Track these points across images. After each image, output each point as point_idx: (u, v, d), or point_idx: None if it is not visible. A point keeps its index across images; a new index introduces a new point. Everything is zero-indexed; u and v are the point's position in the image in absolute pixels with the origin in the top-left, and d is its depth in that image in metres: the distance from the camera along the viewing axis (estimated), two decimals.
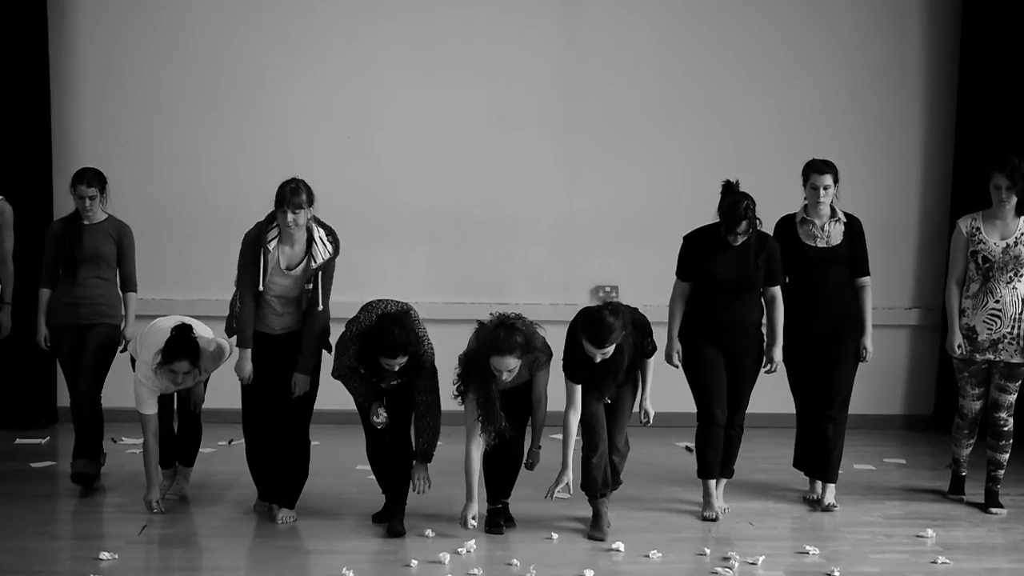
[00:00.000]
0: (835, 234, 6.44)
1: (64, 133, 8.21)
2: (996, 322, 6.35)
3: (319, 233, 6.04)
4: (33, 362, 7.72)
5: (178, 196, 8.28)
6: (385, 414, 5.95)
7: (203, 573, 5.62)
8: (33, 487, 6.78)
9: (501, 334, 5.75)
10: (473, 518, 5.94)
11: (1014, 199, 6.32)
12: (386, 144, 8.33)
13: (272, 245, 5.98)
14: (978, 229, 6.40)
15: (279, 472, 6.18)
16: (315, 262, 6.00)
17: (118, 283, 6.71)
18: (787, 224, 6.51)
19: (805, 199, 6.47)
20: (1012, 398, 6.46)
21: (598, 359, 5.82)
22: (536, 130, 8.37)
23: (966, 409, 6.50)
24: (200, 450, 6.68)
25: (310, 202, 5.97)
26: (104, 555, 5.63)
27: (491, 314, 5.94)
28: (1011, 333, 6.34)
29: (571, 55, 8.38)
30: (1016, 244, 6.34)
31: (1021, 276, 6.35)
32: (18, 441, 7.80)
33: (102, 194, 6.63)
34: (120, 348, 6.68)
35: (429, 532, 5.98)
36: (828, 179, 6.37)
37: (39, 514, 6.30)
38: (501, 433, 5.91)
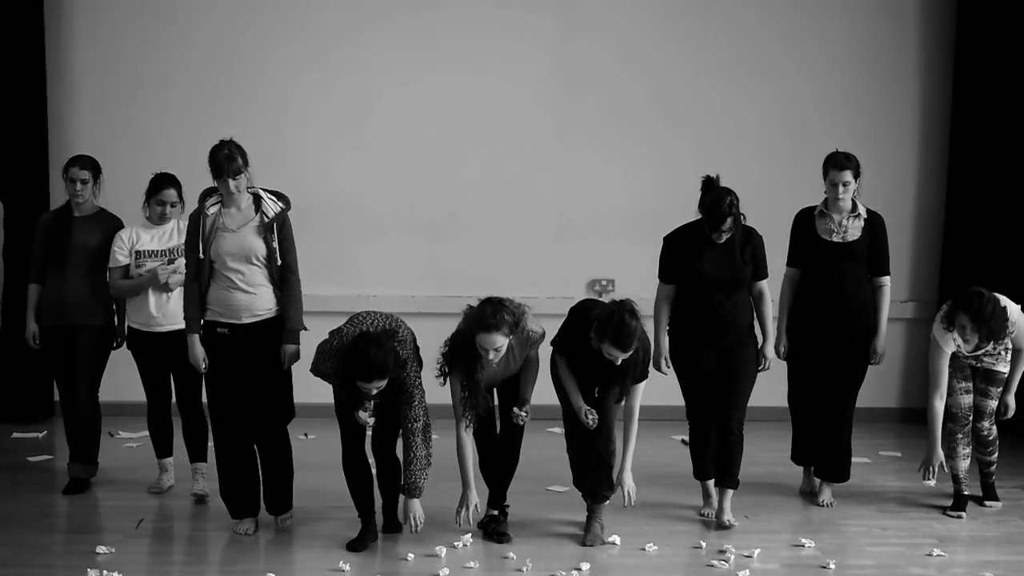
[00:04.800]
0: (853, 229, 6.32)
1: (60, 128, 8.20)
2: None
3: (267, 194, 5.82)
4: (30, 356, 7.70)
5: None
6: (371, 409, 5.66)
7: (200, 566, 5.63)
8: (30, 481, 6.78)
9: (487, 310, 5.55)
10: (476, 506, 5.75)
11: (976, 339, 6.07)
12: (384, 138, 8.33)
13: (212, 210, 5.73)
14: (959, 347, 6.19)
15: (266, 479, 5.99)
16: (267, 216, 5.74)
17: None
18: (805, 216, 6.40)
19: (825, 192, 6.35)
20: (993, 403, 6.37)
21: (619, 362, 5.63)
22: (533, 123, 8.37)
23: (955, 407, 6.38)
24: None
25: (246, 164, 5.72)
26: (101, 549, 5.64)
27: (478, 298, 5.75)
28: (992, 344, 6.26)
29: (569, 48, 8.38)
30: (995, 346, 6.22)
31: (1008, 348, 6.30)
32: (15, 435, 7.81)
33: (95, 182, 6.52)
34: (115, 345, 6.60)
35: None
36: (848, 175, 6.22)
37: (36, 508, 6.31)
38: (483, 418, 5.78)
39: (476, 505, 5.77)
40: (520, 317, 5.65)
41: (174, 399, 6.53)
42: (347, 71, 8.30)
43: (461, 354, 5.67)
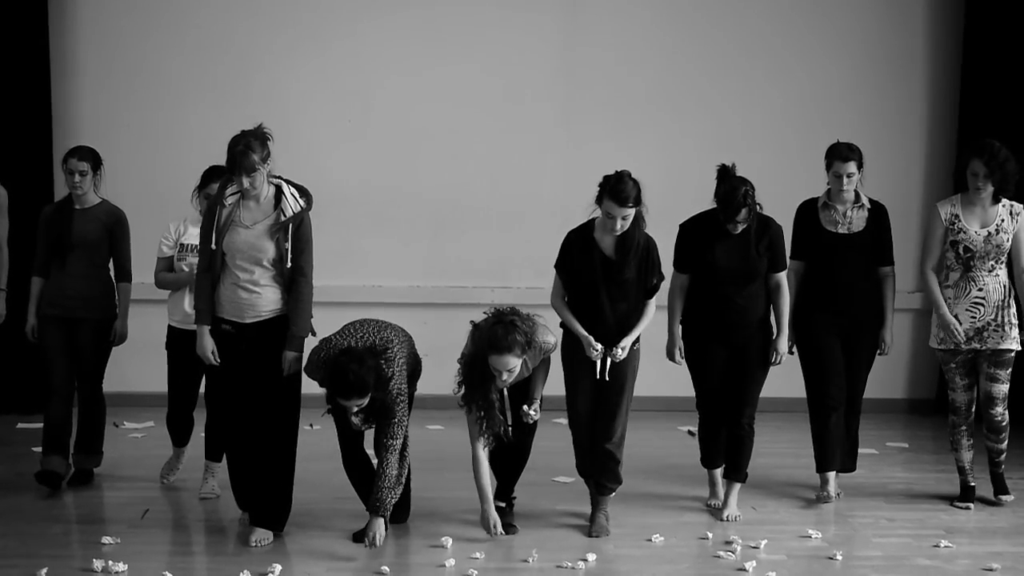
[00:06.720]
0: (857, 220, 6.26)
1: (64, 118, 8.18)
2: (980, 310, 6.19)
3: (289, 189, 5.55)
4: (33, 347, 7.68)
5: (179, 181, 8.22)
6: (362, 416, 5.54)
7: (205, 556, 5.62)
8: (35, 472, 6.76)
9: (499, 331, 5.45)
10: (496, 523, 5.68)
11: (991, 187, 6.11)
12: (388, 128, 8.31)
13: (230, 201, 5.50)
14: (957, 217, 6.19)
15: (260, 490, 5.69)
16: (285, 215, 5.47)
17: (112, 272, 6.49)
18: (809, 208, 6.32)
19: (828, 184, 6.28)
20: (1005, 388, 6.26)
21: (618, 225, 5.63)
22: (538, 114, 8.36)
23: (958, 402, 6.33)
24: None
25: (265, 159, 5.43)
26: (106, 539, 5.63)
27: (485, 312, 5.65)
28: (995, 320, 6.19)
29: (573, 39, 8.36)
30: (998, 232, 6.17)
31: (1002, 263, 6.23)
32: (19, 426, 7.81)
33: (95, 173, 6.39)
34: (113, 342, 6.47)
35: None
36: (852, 167, 6.16)
37: (41, 499, 6.30)
38: (500, 437, 5.72)
39: (496, 522, 5.70)
40: (532, 333, 5.57)
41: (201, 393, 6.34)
42: (351, 61, 8.29)
43: (476, 377, 5.60)
